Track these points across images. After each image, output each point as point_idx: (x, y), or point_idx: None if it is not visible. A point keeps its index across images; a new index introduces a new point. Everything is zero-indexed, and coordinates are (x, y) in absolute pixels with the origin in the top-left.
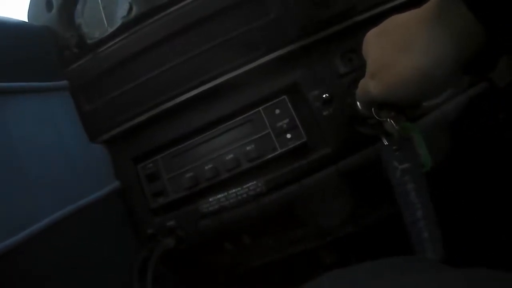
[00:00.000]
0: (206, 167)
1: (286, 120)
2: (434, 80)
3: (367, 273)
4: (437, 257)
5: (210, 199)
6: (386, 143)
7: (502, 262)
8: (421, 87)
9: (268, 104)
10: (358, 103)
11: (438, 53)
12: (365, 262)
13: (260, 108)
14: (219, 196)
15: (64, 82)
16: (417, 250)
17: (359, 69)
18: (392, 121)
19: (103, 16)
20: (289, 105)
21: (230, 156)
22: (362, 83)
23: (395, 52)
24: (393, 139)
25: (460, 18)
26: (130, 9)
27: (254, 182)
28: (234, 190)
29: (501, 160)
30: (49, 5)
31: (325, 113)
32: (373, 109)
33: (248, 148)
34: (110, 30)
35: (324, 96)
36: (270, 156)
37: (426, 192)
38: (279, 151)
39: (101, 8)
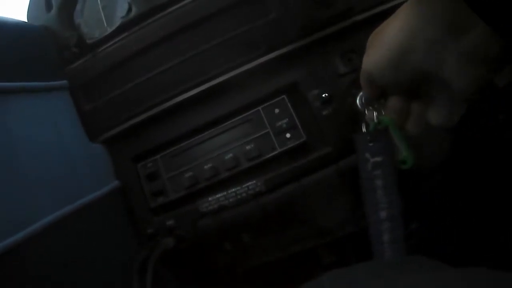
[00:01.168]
0: (206, 167)
1: (286, 120)
2: (420, 40)
3: (367, 273)
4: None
5: (210, 199)
6: (364, 129)
7: (502, 262)
8: (402, 50)
9: (267, 104)
10: (357, 102)
11: (423, 13)
12: (365, 262)
13: (260, 108)
14: (218, 195)
15: (63, 82)
16: (374, 251)
17: (359, 69)
18: (374, 111)
19: (103, 16)
20: (289, 104)
21: (230, 155)
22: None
23: (386, 23)
24: (369, 130)
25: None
26: (130, 9)
27: (254, 181)
28: (233, 190)
29: (501, 160)
30: (48, 5)
31: (324, 112)
32: (360, 96)
33: (247, 147)
34: (110, 30)
35: (323, 95)
36: (269, 155)
37: (396, 191)
38: (278, 150)
39: (100, 8)
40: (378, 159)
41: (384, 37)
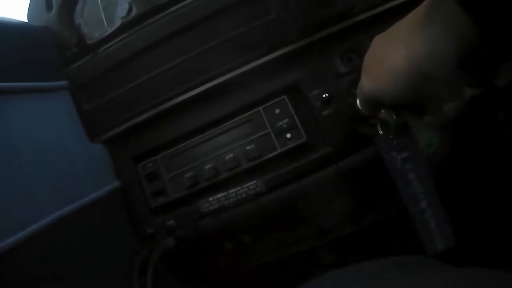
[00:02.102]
0: (206, 167)
1: (286, 120)
2: (425, 74)
3: (367, 273)
4: (448, 245)
5: (210, 199)
6: (381, 132)
7: (502, 262)
8: (410, 81)
9: (268, 104)
10: (357, 102)
11: (431, 47)
12: (365, 261)
13: (260, 108)
14: (219, 195)
15: (64, 82)
16: (425, 242)
17: (359, 69)
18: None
19: (103, 16)
20: (289, 105)
21: (230, 155)
22: (359, 84)
23: (389, 46)
24: (389, 128)
25: (453, 16)
26: (130, 9)
27: (254, 181)
28: (234, 190)
29: (501, 159)
30: (49, 5)
31: (325, 112)
32: (368, 107)
33: (248, 147)
34: (110, 30)
35: (324, 96)
36: (270, 155)
37: (430, 180)
38: (278, 150)
39: (100, 8)
40: (405, 154)
41: (390, 66)
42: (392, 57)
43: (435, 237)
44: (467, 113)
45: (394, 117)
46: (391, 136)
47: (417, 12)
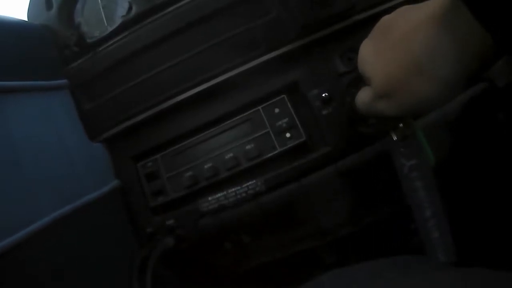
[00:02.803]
0: (206, 166)
1: (286, 119)
2: (451, 92)
3: (367, 273)
4: (449, 259)
5: (210, 198)
6: (395, 138)
7: (502, 262)
8: (438, 101)
9: (267, 103)
10: (358, 104)
11: (454, 67)
12: (365, 262)
13: (260, 107)
14: (218, 195)
15: (64, 81)
16: (428, 250)
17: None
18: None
19: (103, 15)
20: (289, 104)
21: (230, 155)
22: (364, 97)
23: (405, 70)
24: (399, 135)
25: (468, 27)
26: (130, 8)
27: (254, 181)
28: (233, 189)
29: (501, 160)
30: (49, 4)
31: (324, 112)
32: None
33: (247, 147)
34: (110, 29)
35: (323, 95)
36: (269, 155)
37: (435, 190)
38: (278, 150)
39: (100, 7)
40: (413, 162)
41: (419, 97)
42: (414, 83)
43: (438, 248)
44: (467, 113)
45: (402, 125)
46: (401, 143)
47: (425, 20)
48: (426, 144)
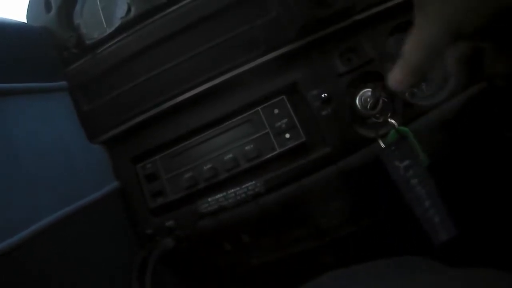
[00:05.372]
0: (205, 167)
1: (285, 120)
2: None
3: (367, 274)
4: (451, 235)
5: (209, 199)
6: (383, 145)
7: (502, 262)
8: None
9: (267, 104)
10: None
11: None
12: (365, 263)
13: (259, 108)
14: (218, 196)
15: (63, 83)
16: (431, 235)
17: (358, 69)
18: (392, 120)
19: (102, 16)
20: (288, 105)
21: (229, 156)
22: (419, 34)
23: None
24: (391, 140)
25: None
26: (129, 9)
27: (253, 182)
28: (233, 190)
29: (500, 159)
30: (48, 6)
31: (324, 112)
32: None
33: (247, 148)
34: (109, 30)
35: (323, 95)
36: (269, 156)
37: (431, 182)
38: (278, 151)
39: (99, 8)
40: (406, 162)
41: None
42: None
43: (439, 230)
44: (466, 114)
45: (394, 131)
46: (393, 148)
47: None
48: (417, 146)
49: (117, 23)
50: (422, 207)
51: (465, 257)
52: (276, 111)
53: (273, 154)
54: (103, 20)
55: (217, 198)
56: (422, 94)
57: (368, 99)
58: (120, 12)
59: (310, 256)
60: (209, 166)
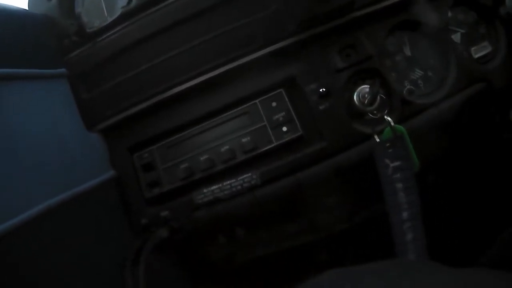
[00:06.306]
0: (202, 158)
1: (283, 113)
2: None
3: (368, 273)
4: (419, 259)
5: (205, 190)
6: (378, 140)
7: (499, 262)
8: None
9: (265, 97)
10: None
11: None
12: (365, 263)
13: (257, 101)
14: (213, 187)
15: (62, 70)
16: (398, 250)
17: (357, 65)
18: (389, 118)
19: (103, 5)
20: (286, 98)
21: (226, 147)
22: None
23: None
24: (386, 137)
25: None
26: None
27: (249, 174)
28: (228, 182)
29: (498, 160)
30: None
31: (321, 107)
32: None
33: (243, 140)
34: (110, 19)
35: (321, 90)
36: (265, 148)
37: (415, 193)
38: (274, 143)
39: None
40: (397, 163)
41: None
42: None
43: (410, 249)
44: (464, 114)
45: (389, 128)
46: (387, 145)
47: None
48: (411, 148)
49: (118, 12)
50: (398, 216)
51: (465, 258)
52: (273, 104)
53: (270, 146)
54: (105, 9)
55: (213, 190)
56: (420, 92)
57: (366, 95)
58: (122, 1)
59: (304, 252)
60: (205, 157)
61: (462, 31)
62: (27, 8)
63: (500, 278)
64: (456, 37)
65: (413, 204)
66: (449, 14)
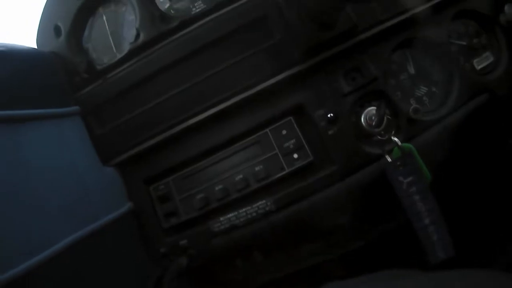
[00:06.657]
0: (217, 188)
1: (293, 141)
2: None
3: (370, 283)
4: (449, 255)
5: (221, 219)
6: (389, 160)
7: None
8: None
9: (275, 126)
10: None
11: None
12: (368, 274)
13: (267, 130)
14: (229, 215)
15: (75, 108)
16: (428, 252)
17: (362, 88)
18: (395, 138)
19: (111, 41)
20: (295, 125)
21: (239, 176)
22: None
23: None
24: (395, 157)
25: None
26: (138, 35)
27: (263, 201)
28: (244, 209)
29: (504, 168)
30: (57, 31)
31: (330, 132)
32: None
33: (256, 168)
34: (119, 55)
35: (329, 115)
36: (278, 175)
37: (432, 200)
38: (286, 170)
39: (108, 33)
40: (410, 179)
41: None
42: None
43: (437, 248)
44: (470, 126)
45: (397, 148)
46: (398, 163)
47: None
48: (422, 163)
49: (126, 47)
50: (421, 223)
51: (467, 260)
52: (284, 132)
53: (282, 174)
54: (113, 45)
55: (229, 217)
56: (425, 109)
57: (373, 117)
58: (129, 36)
59: (321, 269)
60: (220, 186)
61: (463, 43)
62: (35, 47)
63: (499, 278)
64: (458, 50)
65: (433, 210)
66: (450, 27)
